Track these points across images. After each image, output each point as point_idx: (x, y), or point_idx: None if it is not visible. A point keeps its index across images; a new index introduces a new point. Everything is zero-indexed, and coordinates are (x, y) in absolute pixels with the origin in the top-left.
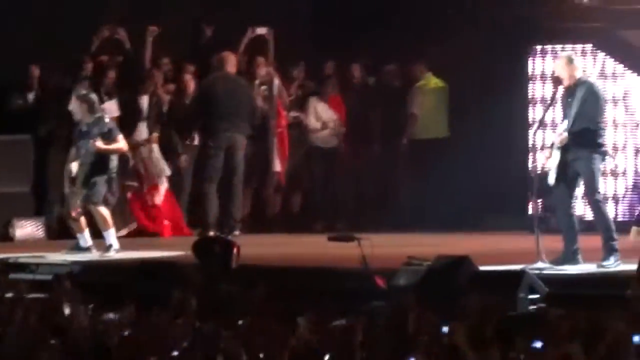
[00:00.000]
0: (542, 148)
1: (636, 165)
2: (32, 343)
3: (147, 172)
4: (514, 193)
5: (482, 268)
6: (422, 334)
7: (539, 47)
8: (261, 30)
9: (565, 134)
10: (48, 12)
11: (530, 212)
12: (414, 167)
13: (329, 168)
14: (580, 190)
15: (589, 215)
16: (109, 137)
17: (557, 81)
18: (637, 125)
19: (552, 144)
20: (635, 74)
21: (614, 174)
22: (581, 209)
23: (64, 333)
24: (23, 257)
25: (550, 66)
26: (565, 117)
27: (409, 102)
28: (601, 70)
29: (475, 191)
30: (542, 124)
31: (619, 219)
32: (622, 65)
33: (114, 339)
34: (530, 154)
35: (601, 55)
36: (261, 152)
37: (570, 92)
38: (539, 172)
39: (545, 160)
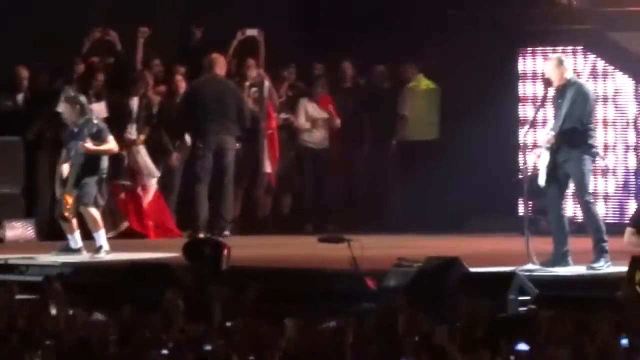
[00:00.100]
0: (532, 149)
1: (627, 163)
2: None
3: (137, 173)
4: (504, 195)
5: (472, 269)
6: (412, 335)
7: (530, 49)
8: (251, 32)
9: (551, 134)
10: (35, 14)
11: (520, 213)
12: (404, 169)
13: (319, 169)
14: (571, 191)
15: (580, 217)
16: (98, 138)
17: (547, 83)
18: (628, 124)
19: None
20: (626, 76)
21: (604, 173)
22: (572, 210)
23: (51, 334)
24: (13, 258)
25: (541, 67)
26: (555, 118)
27: (399, 104)
28: (592, 70)
29: (466, 193)
30: (532, 125)
31: (609, 220)
32: (612, 67)
33: (102, 341)
34: (521, 155)
35: (591, 57)
36: (251, 153)
37: (560, 93)
38: (529, 173)
39: (536, 161)
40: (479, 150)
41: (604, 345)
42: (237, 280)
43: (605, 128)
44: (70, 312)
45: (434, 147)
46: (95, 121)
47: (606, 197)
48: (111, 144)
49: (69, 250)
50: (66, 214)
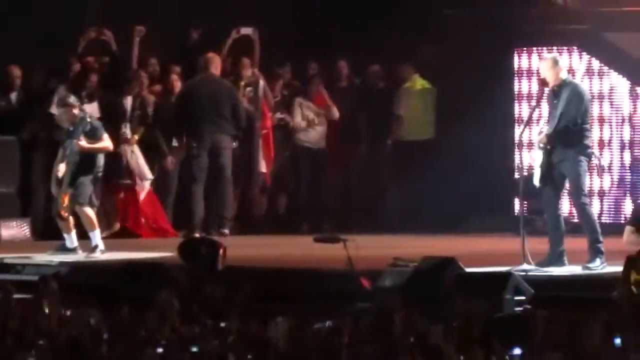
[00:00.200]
0: (528, 149)
1: (622, 160)
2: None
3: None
4: (500, 195)
5: (468, 269)
6: (407, 336)
7: (525, 49)
8: (246, 31)
9: (544, 134)
10: (34, 14)
11: (516, 213)
12: (400, 169)
13: (315, 169)
14: (566, 191)
15: (575, 217)
16: (93, 136)
17: (543, 83)
18: (623, 121)
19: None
20: (620, 76)
21: (600, 171)
22: (567, 210)
23: (45, 333)
24: (9, 257)
25: (536, 67)
26: (551, 118)
27: (395, 104)
28: (587, 68)
29: (462, 192)
30: (528, 125)
31: (604, 219)
32: (607, 67)
33: (95, 340)
34: (517, 155)
35: (586, 57)
36: (246, 153)
37: (555, 93)
38: (525, 173)
39: (531, 160)
40: (475, 151)
41: (597, 346)
42: (232, 280)
43: (601, 125)
44: (64, 311)
45: (430, 147)
46: (89, 119)
47: (602, 195)
48: (106, 142)
49: (64, 249)
50: (63, 212)
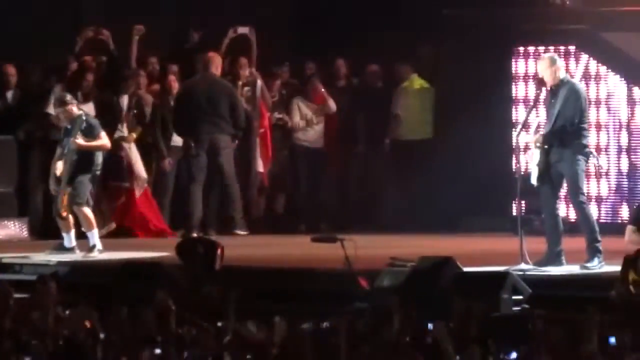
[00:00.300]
0: (525, 149)
1: (619, 165)
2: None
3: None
4: (498, 194)
5: (465, 269)
6: (405, 335)
7: (523, 49)
8: (243, 30)
9: (540, 133)
10: (27, 13)
11: (514, 213)
12: (397, 168)
13: (313, 168)
14: (564, 191)
15: (573, 217)
16: (90, 134)
17: (540, 82)
18: (620, 127)
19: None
20: (618, 76)
21: (597, 174)
22: (565, 210)
23: (41, 333)
24: (6, 257)
25: (533, 67)
26: (548, 117)
27: (393, 103)
28: (584, 72)
29: (459, 192)
30: (525, 125)
31: (602, 221)
32: (605, 67)
33: (92, 339)
34: (514, 155)
35: (584, 57)
36: (244, 153)
37: (553, 92)
38: (522, 173)
39: (528, 160)
40: (473, 150)
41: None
42: (230, 279)
43: (598, 130)
44: (61, 311)
45: (428, 146)
46: (85, 117)
47: (599, 200)
48: (104, 140)
49: (62, 249)
50: (62, 211)
